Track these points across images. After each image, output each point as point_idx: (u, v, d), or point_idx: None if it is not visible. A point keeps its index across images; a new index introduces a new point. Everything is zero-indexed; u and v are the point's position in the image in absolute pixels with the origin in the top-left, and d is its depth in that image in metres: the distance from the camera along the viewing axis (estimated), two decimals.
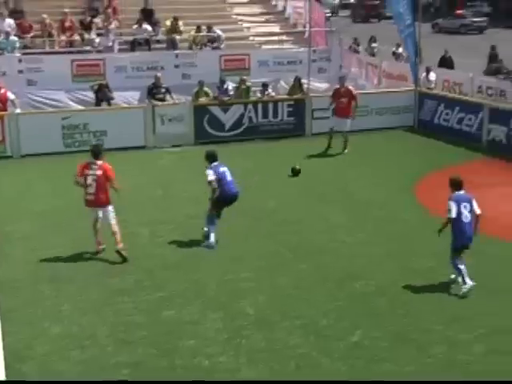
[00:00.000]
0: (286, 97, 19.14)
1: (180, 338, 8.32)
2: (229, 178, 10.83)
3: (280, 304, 9.14)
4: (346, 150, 16.60)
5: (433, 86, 20.50)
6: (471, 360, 7.85)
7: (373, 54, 25.65)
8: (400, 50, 24.69)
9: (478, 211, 9.22)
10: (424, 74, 20.26)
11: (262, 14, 24.55)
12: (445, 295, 9.31)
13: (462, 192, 9.28)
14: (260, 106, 18.18)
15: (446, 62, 22.85)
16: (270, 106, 18.25)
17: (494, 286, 9.51)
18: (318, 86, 20.92)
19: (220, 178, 10.69)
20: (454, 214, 9.08)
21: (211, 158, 10.87)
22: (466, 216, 9.14)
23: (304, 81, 18.97)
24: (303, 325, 8.59)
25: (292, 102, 18.49)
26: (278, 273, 10.06)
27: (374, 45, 26.48)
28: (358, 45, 26.21)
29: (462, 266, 9.30)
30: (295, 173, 14.84)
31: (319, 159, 16.23)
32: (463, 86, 20.56)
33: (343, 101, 16.66)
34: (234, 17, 23.88)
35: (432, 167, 15.04)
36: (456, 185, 9.29)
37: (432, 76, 20.69)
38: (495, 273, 9.96)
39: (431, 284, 9.60)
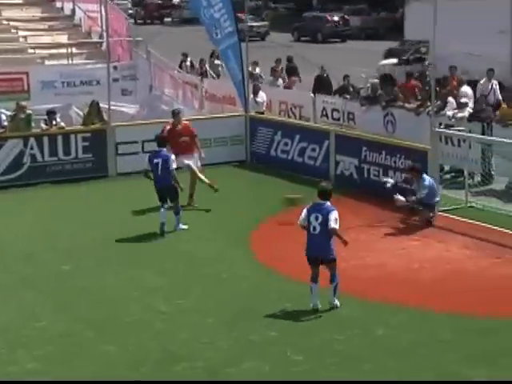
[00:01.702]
0: (80, 127, 19.18)
1: None
2: (159, 172, 14.41)
3: None
4: (216, 186, 16.33)
5: (263, 109, 21.36)
6: None
7: (218, 75, 26.09)
8: (257, 70, 25.14)
9: (330, 225, 10.84)
10: (252, 96, 20.95)
11: (43, 19, 24.55)
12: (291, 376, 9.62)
13: (326, 203, 11.03)
14: (46, 139, 18.12)
15: (323, 83, 23.30)
16: (60, 139, 18.24)
17: (346, 357, 9.94)
18: (123, 111, 21.09)
19: (152, 169, 14.54)
20: (300, 221, 11.12)
21: (156, 142, 15.03)
22: (314, 227, 10.95)
23: (104, 106, 19.11)
24: None
25: (89, 135, 18.60)
26: (74, 359, 9.95)
27: (217, 62, 26.79)
28: (204, 62, 26.40)
29: (311, 285, 11.05)
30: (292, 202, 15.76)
31: (125, 207, 16.21)
32: (304, 109, 21.64)
33: (185, 140, 16.50)
34: (5, 22, 23.67)
35: (268, 212, 15.64)
36: (320, 194, 11.17)
37: (261, 97, 21.50)
38: (348, 339, 10.41)
39: (275, 359, 9.85)
